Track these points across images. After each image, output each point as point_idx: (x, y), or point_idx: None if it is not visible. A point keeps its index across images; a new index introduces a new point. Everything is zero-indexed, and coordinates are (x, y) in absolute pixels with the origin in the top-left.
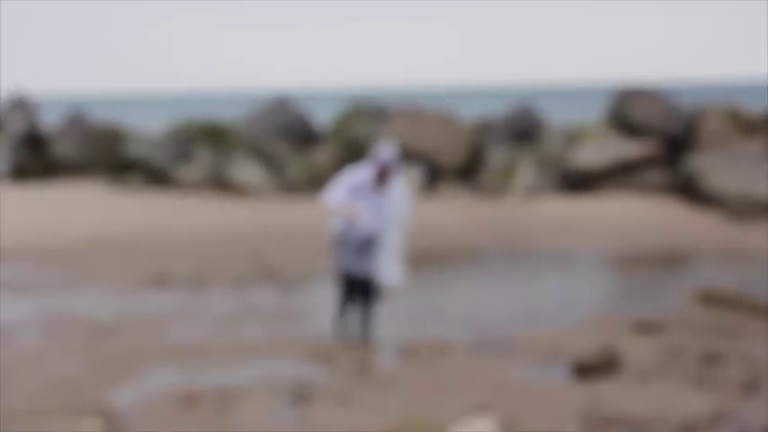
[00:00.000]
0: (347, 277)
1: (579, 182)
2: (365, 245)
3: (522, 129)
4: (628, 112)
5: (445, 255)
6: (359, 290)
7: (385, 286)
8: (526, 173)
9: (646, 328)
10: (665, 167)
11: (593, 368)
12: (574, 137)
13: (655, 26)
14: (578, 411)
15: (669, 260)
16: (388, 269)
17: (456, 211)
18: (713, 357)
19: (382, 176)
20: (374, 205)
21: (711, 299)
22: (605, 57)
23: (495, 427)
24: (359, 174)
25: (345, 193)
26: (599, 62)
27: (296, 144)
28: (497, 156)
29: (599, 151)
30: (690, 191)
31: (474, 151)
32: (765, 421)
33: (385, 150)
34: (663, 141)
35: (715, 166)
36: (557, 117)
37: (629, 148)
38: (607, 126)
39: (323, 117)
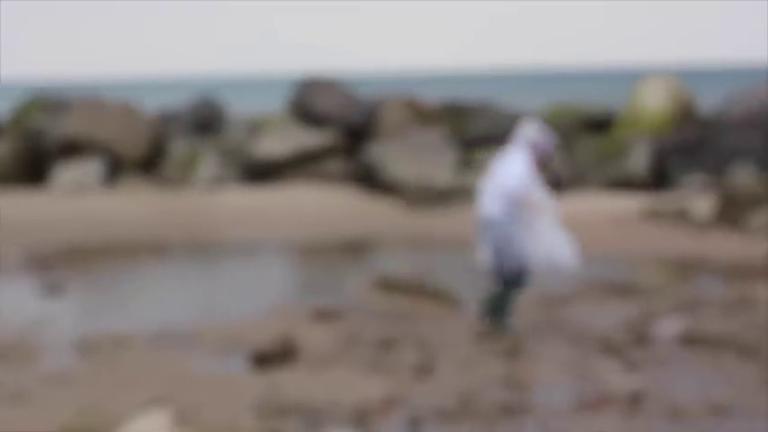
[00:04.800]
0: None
1: (262, 172)
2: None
3: (205, 120)
4: (309, 102)
5: (128, 248)
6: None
7: (566, 270)
8: (209, 164)
9: (325, 316)
10: (346, 157)
11: (272, 357)
12: (257, 127)
13: (335, 18)
14: (256, 400)
15: (351, 248)
16: (566, 253)
17: (139, 204)
18: (389, 342)
19: (544, 165)
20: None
21: (390, 285)
22: (288, 48)
23: (170, 419)
24: (524, 165)
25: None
26: (282, 53)
27: None
28: (180, 147)
29: (281, 141)
30: (371, 180)
31: (156, 143)
32: (437, 403)
33: (544, 136)
34: (344, 131)
35: (395, 156)
36: (239, 108)
37: (310, 138)
38: (289, 116)
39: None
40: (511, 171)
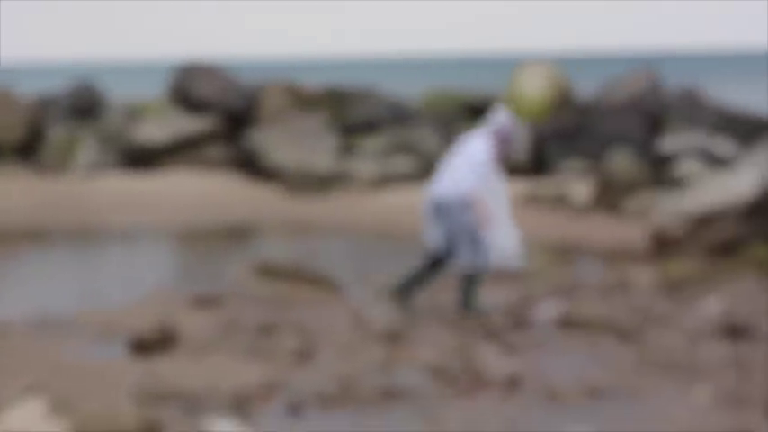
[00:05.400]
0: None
1: (143, 158)
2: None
3: (84, 105)
4: (189, 88)
5: (6, 235)
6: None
7: (509, 265)
8: (88, 150)
9: (205, 302)
10: (227, 143)
11: (151, 344)
12: (136, 113)
13: (217, 3)
14: (134, 388)
15: (232, 235)
16: (511, 247)
17: (15, 191)
18: (269, 328)
19: (506, 150)
20: (496, 183)
21: (270, 271)
22: (169, 33)
23: (46, 408)
24: (485, 151)
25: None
26: (162, 39)
27: None
28: (58, 133)
29: (161, 127)
30: (252, 166)
31: (34, 128)
32: (317, 388)
33: (511, 124)
34: (225, 117)
35: (275, 142)
36: (119, 93)
37: (191, 124)
38: (169, 102)
39: None
40: (470, 159)
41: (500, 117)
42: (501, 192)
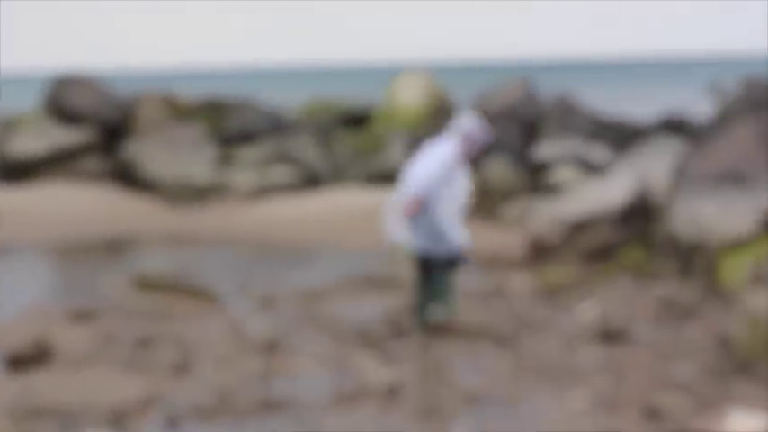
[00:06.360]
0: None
1: (17, 171)
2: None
3: None
4: (64, 99)
5: None
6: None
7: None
8: None
9: (81, 316)
10: (103, 155)
11: (26, 360)
12: (10, 125)
13: (93, 13)
14: (8, 404)
15: (109, 247)
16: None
17: None
18: (146, 342)
19: (473, 154)
20: (459, 185)
21: (148, 284)
22: (41, 44)
23: None
24: (449, 152)
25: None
26: (34, 50)
27: None
28: None
29: (36, 139)
30: (129, 177)
31: None
32: (195, 401)
33: (478, 127)
34: (100, 129)
35: (152, 153)
36: None
37: (66, 136)
38: (44, 114)
39: None
40: (433, 160)
41: (468, 121)
42: (463, 191)
